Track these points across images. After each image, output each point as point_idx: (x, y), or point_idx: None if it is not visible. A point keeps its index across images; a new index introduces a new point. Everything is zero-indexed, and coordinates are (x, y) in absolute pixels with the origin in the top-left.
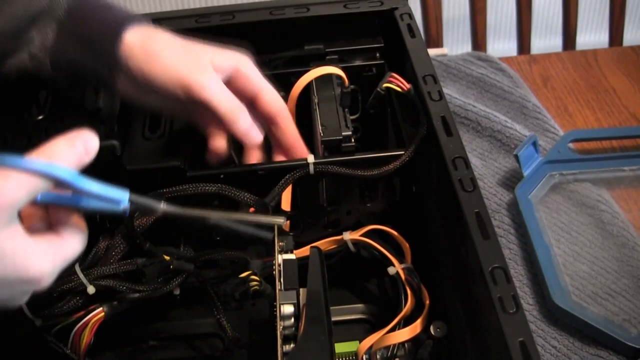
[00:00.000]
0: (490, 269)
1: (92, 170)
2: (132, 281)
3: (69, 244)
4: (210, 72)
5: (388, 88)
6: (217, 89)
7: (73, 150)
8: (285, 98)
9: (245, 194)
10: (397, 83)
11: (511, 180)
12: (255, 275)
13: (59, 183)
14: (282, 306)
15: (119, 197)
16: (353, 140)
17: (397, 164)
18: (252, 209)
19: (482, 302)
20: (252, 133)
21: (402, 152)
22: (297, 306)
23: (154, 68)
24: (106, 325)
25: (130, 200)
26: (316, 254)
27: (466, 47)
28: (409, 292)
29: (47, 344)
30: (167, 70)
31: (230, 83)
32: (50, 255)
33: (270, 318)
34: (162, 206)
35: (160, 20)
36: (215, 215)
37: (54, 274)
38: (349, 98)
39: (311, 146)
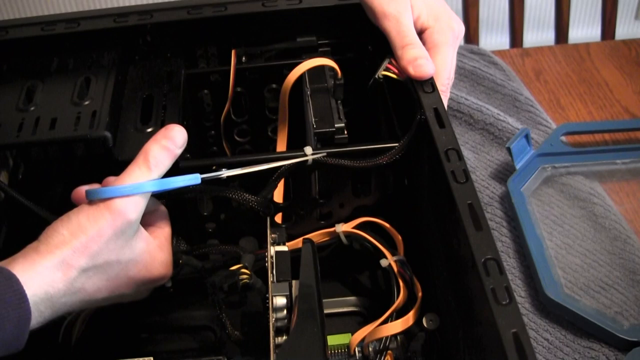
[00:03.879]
0: (483, 260)
1: (85, 161)
2: None
3: (167, 228)
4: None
5: (385, 76)
6: None
7: (166, 151)
8: (278, 90)
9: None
10: (394, 71)
11: (503, 173)
12: (246, 268)
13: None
14: (274, 298)
15: (194, 181)
16: (346, 132)
17: (396, 154)
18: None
19: (475, 294)
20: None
21: (399, 144)
22: (289, 298)
23: None
24: (98, 317)
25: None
26: (309, 246)
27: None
28: (401, 284)
29: (39, 337)
30: None
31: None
32: (165, 247)
33: (263, 310)
34: (226, 172)
35: (153, 12)
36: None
37: (172, 262)
38: (342, 90)
39: (304, 138)
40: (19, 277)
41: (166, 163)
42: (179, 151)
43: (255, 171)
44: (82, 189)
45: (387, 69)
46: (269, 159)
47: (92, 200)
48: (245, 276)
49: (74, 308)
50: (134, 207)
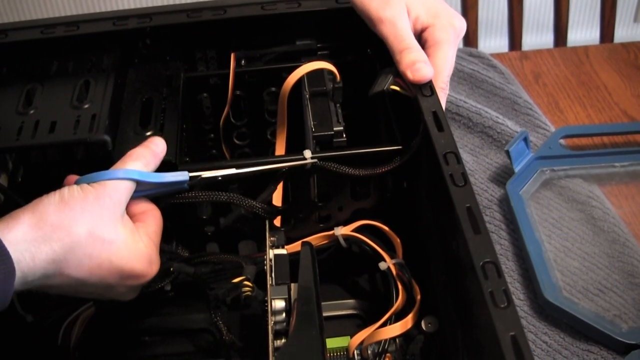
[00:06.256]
0: (482, 264)
1: (85, 165)
2: None
3: (155, 227)
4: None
5: (394, 90)
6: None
7: (150, 151)
8: (277, 93)
9: (252, 202)
10: (404, 86)
11: (502, 176)
12: (249, 281)
13: (139, 182)
14: (273, 301)
15: (183, 178)
16: (344, 135)
17: (398, 162)
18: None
19: (474, 297)
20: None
21: (399, 147)
22: (288, 301)
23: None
24: (97, 320)
25: (191, 177)
26: (307, 249)
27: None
28: (400, 287)
29: (38, 339)
30: None
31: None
32: (149, 244)
33: (262, 313)
34: (220, 174)
35: (152, 15)
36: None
37: (156, 261)
38: (340, 93)
39: (303, 141)
40: (1, 236)
41: (148, 158)
42: (160, 153)
43: (252, 174)
44: (73, 177)
45: (395, 83)
46: (268, 162)
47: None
48: (247, 289)
49: (55, 284)
50: (117, 188)
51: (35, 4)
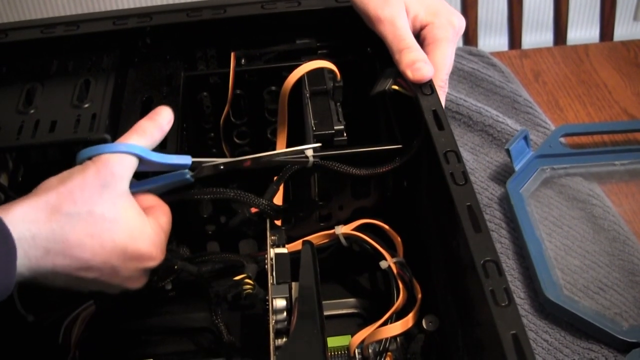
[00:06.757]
0: (482, 262)
1: None
2: None
3: (164, 218)
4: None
5: (396, 90)
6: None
7: (156, 124)
8: (277, 92)
9: (260, 199)
10: (405, 86)
11: (502, 175)
12: (250, 279)
13: (141, 159)
14: (274, 300)
15: (186, 162)
16: (345, 134)
17: (399, 162)
18: (253, 210)
19: (474, 296)
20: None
21: (400, 147)
22: (289, 300)
23: None
24: (98, 319)
25: (193, 163)
26: (308, 248)
27: (457, 42)
28: (400, 286)
29: (39, 339)
30: None
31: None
32: (156, 229)
33: (263, 312)
34: (222, 161)
35: (152, 14)
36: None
37: (163, 247)
38: (341, 92)
39: (303, 140)
40: (2, 216)
41: (153, 132)
42: (166, 126)
43: (253, 167)
44: None
45: (397, 83)
46: (269, 156)
47: (82, 160)
48: (249, 286)
49: (60, 269)
50: (119, 161)
51: (35, 4)
